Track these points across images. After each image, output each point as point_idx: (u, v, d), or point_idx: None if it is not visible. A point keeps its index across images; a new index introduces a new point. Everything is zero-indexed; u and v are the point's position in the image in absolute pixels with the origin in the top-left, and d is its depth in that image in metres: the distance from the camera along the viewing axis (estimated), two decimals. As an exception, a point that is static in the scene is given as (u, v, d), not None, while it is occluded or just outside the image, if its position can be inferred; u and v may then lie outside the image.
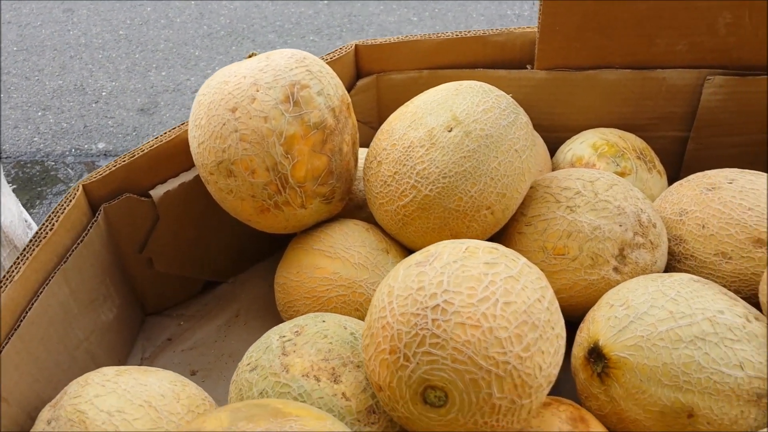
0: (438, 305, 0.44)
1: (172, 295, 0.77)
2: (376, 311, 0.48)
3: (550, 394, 0.51)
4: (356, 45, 0.79)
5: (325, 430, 0.41)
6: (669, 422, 0.51)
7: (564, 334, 0.49)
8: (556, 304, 0.48)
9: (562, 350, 0.48)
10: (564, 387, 0.57)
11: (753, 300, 0.60)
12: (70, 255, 0.61)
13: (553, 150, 0.82)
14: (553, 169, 0.79)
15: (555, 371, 0.47)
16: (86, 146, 1.37)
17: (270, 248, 0.80)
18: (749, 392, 0.51)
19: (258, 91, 0.60)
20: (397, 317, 0.45)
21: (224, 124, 0.60)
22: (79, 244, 0.62)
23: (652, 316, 0.52)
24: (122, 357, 0.72)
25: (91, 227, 0.64)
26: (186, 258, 0.75)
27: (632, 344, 0.52)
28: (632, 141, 0.78)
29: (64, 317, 0.61)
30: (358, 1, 1.95)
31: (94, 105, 1.45)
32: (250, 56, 0.65)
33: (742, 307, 0.54)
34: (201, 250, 0.75)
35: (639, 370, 0.51)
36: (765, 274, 0.58)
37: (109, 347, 0.69)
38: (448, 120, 0.60)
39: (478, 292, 0.44)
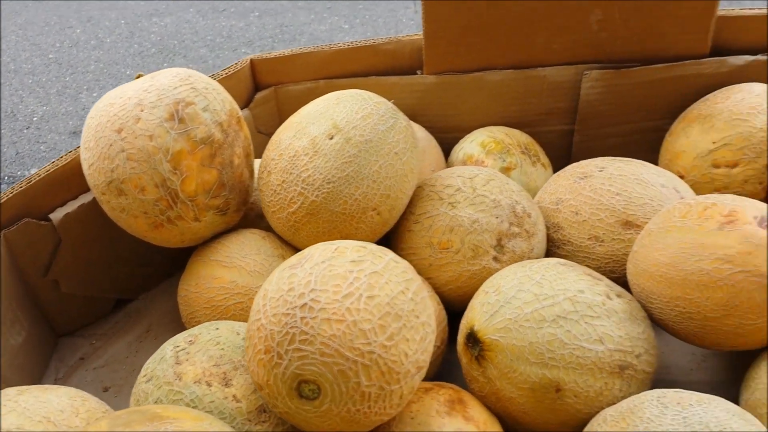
0: (306, 304, 0.47)
1: (82, 316, 0.78)
2: (253, 314, 0.51)
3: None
4: (251, 59, 0.82)
5: (201, 430, 0.44)
6: (539, 398, 0.55)
7: (432, 321, 0.52)
8: (423, 294, 0.52)
9: (431, 337, 0.52)
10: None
11: (625, 279, 0.65)
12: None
13: (448, 150, 0.86)
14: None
15: (423, 357, 0.51)
16: (20, 173, 1.36)
17: (178, 263, 0.82)
18: (611, 365, 0.55)
19: (142, 110, 0.62)
20: (270, 318, 0.48)
21: (111, 145, 0.62)
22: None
23: (519, 300, 0.56)
24: (35, 379, 0.73)
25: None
26: (93, 278, 0.76)
27: (502, 327, 0.56)
28: (518, 137, 0.82)
29: (-35, 344, 0.62)
30: (289, 12, 1.97)
31: (25, 131, 1.44)
32: (137, 77, 0.67)
33: (603, 285, 0.59)
34: (107, 268, 0.77)
35: (509, 350, 0.55)
36: (631, 253, 0.63)
37: (20, 370, 0.70)
38: (329, 128, 0.64)
39: (343, 288, 0.48)
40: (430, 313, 0.52)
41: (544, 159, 0.83)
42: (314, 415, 0.48)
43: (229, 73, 0.79)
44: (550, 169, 0.82)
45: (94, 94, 1.56)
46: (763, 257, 0.53)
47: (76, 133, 1.39)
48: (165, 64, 1.69)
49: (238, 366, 0.55)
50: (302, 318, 0.47)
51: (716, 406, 0.49)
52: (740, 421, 0.48)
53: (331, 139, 0.63)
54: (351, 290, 0.48)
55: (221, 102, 0.67)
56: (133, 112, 0.62)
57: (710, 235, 0.55)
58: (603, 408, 0.55)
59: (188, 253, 0.73)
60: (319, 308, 0.47)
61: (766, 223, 0.54)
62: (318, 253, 0.51)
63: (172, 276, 0.83)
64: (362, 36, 1.82)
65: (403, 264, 0.52)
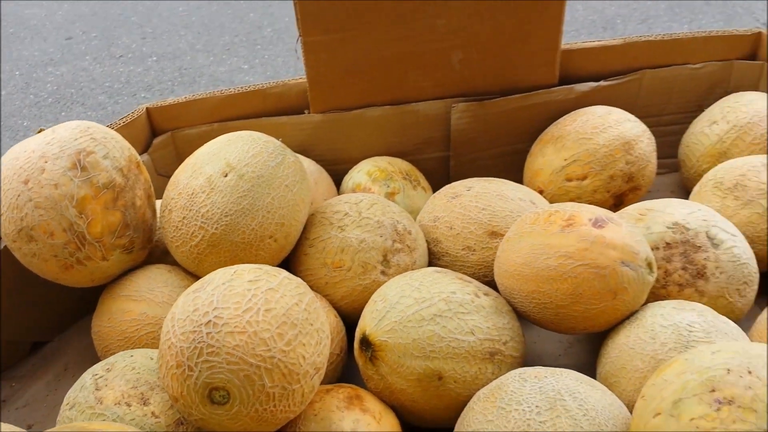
0: (210, 320, 0.54)
1: (2, 360, 0.80)
2: (163, 336, 0.56)
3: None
4: (147, 107, 0.88)
5: (123, 437, 0.49)
6: (425, 386, 0.63)
7: (326, 328, 0.60)
8: (315, 305, 0.59)
9: (326, 341, 0.59)
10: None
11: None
12: None
13: (339, 180, 0.94)
14: (340, 197, 0.91)
15: (320, 359, 0.58)
16: None
17: (90, 302, 0.86)
18: (482, 352, 0.64)
19: (46, 162, 0.67)
20: (179, 336, 0.54)
21: (19, 195, 0.67)
22: None
23: (402, 304, 0.65)
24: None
25: None
26: (9, 323, 0.79)
27: (389, 329, 0.64)
28: (399, 165, 0.92)
29: None
30: (187, 55, 2.00)
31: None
32: (39, 131, 0.71)
33: (473, 287, 0.68)
34: (22, 313, 0.80)
35: (396, 348, 0.63)
36: (495, 258, 0.73)
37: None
38: (223, 167, 0.70)
39: (243, 304, 0.54)
40: (323, 321, 0.59)
41: (425, 183, 0.93)
42: (226, 418, 0.54)
43: (127, 122, 0.85)
44: (430, 192, 0.92)
45: (-7, 147, 1.54)
46: (598, 251, 0.64)
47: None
48: (63, 114, 1.68)
49: (154, 386, 0.61)
50: (208, 333, 0.53)
51: (567, 376, 0.59)
52: (587, 387, 0.58)
53: (226, 176, 0.70)
54: (250, 305, 0.55)
55: (120, 149, 0.72)
56: (37, 164, 0.67)
57: (554, 237, 0.66)
58: (477, 399, 0.63)
59: (99, 292, 0.77)
60: (222, 323, 0.53)
61: (599, 224, 0.66)
62: (218, 276, 0.58)
63: (85, 315, 0.86)
64: (262, 75, 1.88)
65: (296, 280, 0.60)
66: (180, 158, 0.92)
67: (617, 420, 0.56)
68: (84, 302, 0.85)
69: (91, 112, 1.67)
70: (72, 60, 1.85)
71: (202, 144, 0.75)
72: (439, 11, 0.83)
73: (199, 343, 0.53)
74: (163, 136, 0.90)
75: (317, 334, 0.58)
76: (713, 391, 0.49)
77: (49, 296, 0.81)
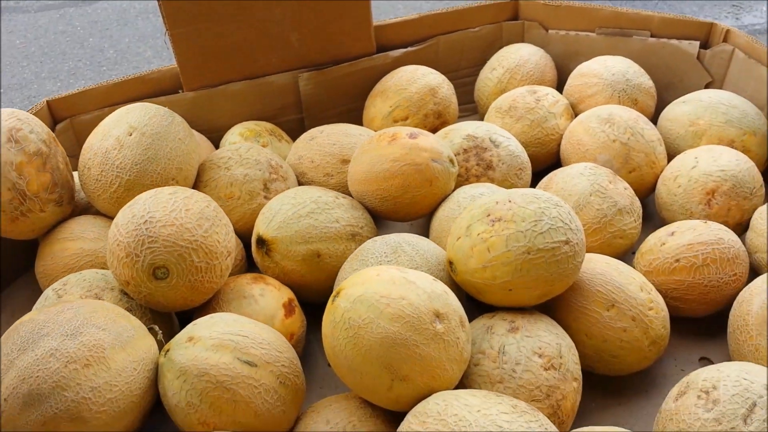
0: (147, 220, 0.75)
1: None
2: (111, 239, 0.76)
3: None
4: (47, 100, 1.06)
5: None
6: (309, 263, 0.88)
7: (230, 223, 0.82)
8: (219, 209, 0.82)
9: (233, 233, 0.82)
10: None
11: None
12: None
13: (217, 146, 1.16)
14: (219, 157, 1.13)
15: (230, 245, 0.80)
16: None
17: (29, 260, 1.00)
18: (346, 234, 0.90)
19: (-16, 137, 0.84)
20: (125, 235, 0.75)
21: (-36, 166, 0.83)
22: None
23: (283, 209, 0.88)
24: None
25: None
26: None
27: (277, 227, 0.87)
28: (264, 125, 1.15)
29: None
30: (34, 84, 2.08)
31: None
32: (-32, 118, 0.88)
33: (334, 193, 0.93)
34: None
35: (284, 240, 0.87)
36: (348, 173, 0.99)
37: None
38: (127, 128, 0.91)
39: (168, 207, 0.76)
40: (227, 220, 0.82)
41: (287, 138, 1.17)
42: (168, 289, 0.76)
43: (32, 113, 1.02)
44: (292, 143, 1.16)
45: None
46: (415, 154, 0.91)
47: None
48: None
49: (104, 288, 0.80)
50: (146, 228, 0.74)
51: (405, 234, 0.86)
52: (419, 239, 0.85)
53: (131, 135, 0.90)
54: (174, 207, 0.76)
55: (40, 126, 0.90)
56: (-24, 139, 0.84)
57: (384, 149, 0.92)
58: (346, 261, 0.88)
59: (33, 252, 0.94)
60: (156, 220, 0.75)
61: (413, 136, 0.93)
62: (144, 194, 0.79)
63: (23, 274, 1.02)
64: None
65: (203, 194, 0.82)
66: (79, 141, 1.09)
67: (439, 256, 0.83)
68: (21, 261, 1.01)
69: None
70: None
71: (87, 139, 0.94)
72: (275, 2, 1.08)
73: (141, 236, 0.74)
74: (63, 122, 1.08)
75: (225, 227, 0.80)
76: (489, 215, 0.77)
77: (-14, 259, 0.96)
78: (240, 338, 0.69)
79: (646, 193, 1.02)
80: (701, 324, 0.89)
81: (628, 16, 1.18)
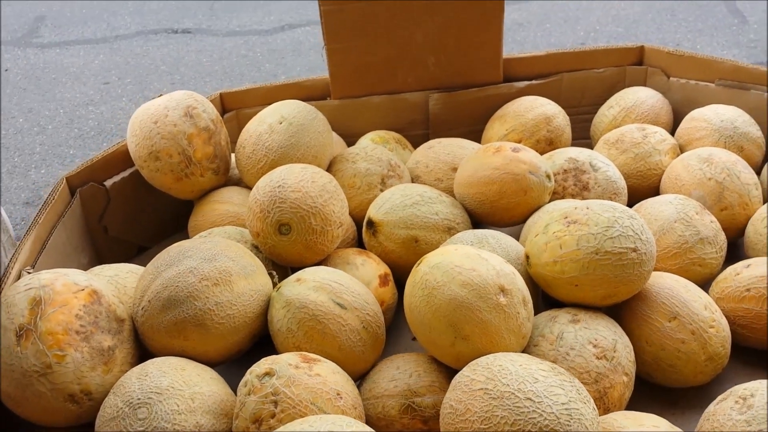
0: (280, 185, 0.92)
1: (115, 255, 1.17)
2: (251, 198, 0.94)
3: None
4: (220, 93, 1.28)
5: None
6: (407, 247, 1.01)
7: (345, 200, 0.98)
8: (340, 188, 0.97)
9: (346, 209, 0.98)
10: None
11: (455, 199, 1.13)
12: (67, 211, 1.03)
13: (350, 148, 1.33)
14: (351, 157, 1.30)
15: (343, 218, 0.96)
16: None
17: (182, 222, 1.22)
18: (442, 226, 1.02)
19: (168, 111, 1.07)
20: (261, 194, 0.93)
21: (150, 130, 1.06)
22: (65, 214, 1.04)
23: (393, 198, 1.03)
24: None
25: (71, 205, 1.06)
26: (127, 228, 1.17)
27: (384, 212, 1.02)
28: (393, 135, 1.31)
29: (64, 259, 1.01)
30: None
31: (-18, 203, 1.56)
32: (159, 95, 1.11)
33: (438, 191, 1.07)
34: (132, 220, 1.18)
35: (389, 224, 1.01)
36: (454, 179, 1.12)
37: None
38: (279, 118, 1.10)
39: (299, 177, 0.93)
40: (344, 197, 0.98)
41: (411, 147, 1.32)
42: (288, 244, 0.92)
43: (209, 99, 1.25)
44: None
45: (42, 171, 1.72)
46: (514, 165, 1.02)
47: (29, 203, 1.59)
48: (104, 144, 1.84)
49: (239, 240, 0.98)
50: (278, 191, 0.91)
51: (491, 230, 0.97)
52: (503, 234, 0.96)
53: (281, 124, 1.09)
54: (302, 178, 0.93)
55: (211, 108, 1.12)
56: (163, 112, 1.07)
57: (488, 158, 1.05)
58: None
59: (186, 218, 1.14)
60: (287, 186, 0.92)
61: (515, 150, 1.04)
62: (281, 167, 0.96)
63: (177, 233, 1.24)
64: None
65: (327, 174, 0.99)
66: (241, 129, 1.31)
67: (519, 252, 0.94)
68: (177, 222, 1.23)
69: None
70: (110, 101, 2.04)
71: (247, 123, 1.14)
72: (417, 26, 1.24)
73: (274, 197, 0.91)
74: (231, 113, 1.30)
75: (341, 202, 0.96)
76: (566, 217, 0.87)
77: (157, 210, 1.19)
78: (336, 285, 0.84)
79: (737, 233, 1.06)
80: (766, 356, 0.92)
81: (747, 70, 1.22)
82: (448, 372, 0.81)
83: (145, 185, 1.13)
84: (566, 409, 0.65)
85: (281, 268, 0.99)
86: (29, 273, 0.89)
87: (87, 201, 1.10)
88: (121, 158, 1.13)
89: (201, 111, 1.09)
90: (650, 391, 0.89)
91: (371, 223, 1.03)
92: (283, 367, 0.71)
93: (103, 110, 1.99)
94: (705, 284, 0.98)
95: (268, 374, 0.71)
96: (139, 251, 1.22)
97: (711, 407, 0.76)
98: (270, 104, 1.25)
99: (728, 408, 0.73)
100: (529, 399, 0.66)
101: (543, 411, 0.65)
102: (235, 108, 1.31)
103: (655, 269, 0.91)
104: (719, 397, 0.76)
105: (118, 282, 0.91)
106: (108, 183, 1.12)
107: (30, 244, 0.93)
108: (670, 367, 0.86)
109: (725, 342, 0.86)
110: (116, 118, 1.96)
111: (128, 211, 1.17)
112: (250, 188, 1.14)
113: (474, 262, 0.79)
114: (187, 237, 1.12)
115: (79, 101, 2.05)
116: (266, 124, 1.10)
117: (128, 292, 0.89)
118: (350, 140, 1.34)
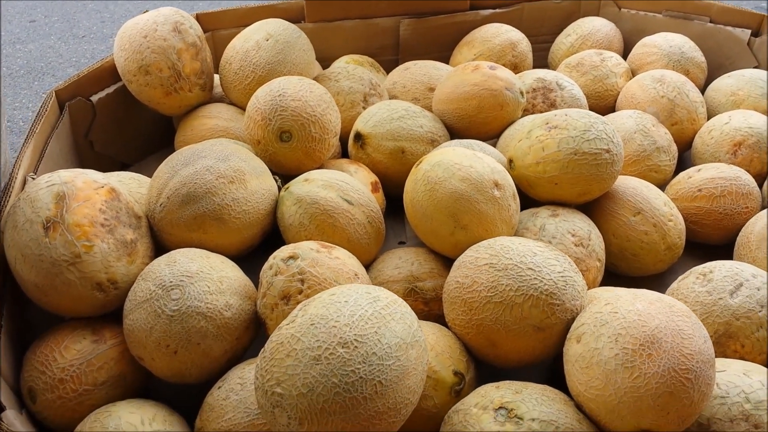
0: (280, 94, 0.97)
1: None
2: (250, 106, 0.99)
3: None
4: (197, 14, 1.30)
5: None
6: (394, 158, 1.08)
7: (338, 111, 1.04)
8: (332, 98, 1.03)
9: (339, 119, 1.03)
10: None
11: (431, 116, 1.20)
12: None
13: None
14: (325, 80, 1.35)
15: (338, 128, 1.02)
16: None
17: (165, 139, 1.24)
18: (426, 138, 1.10)
19: (157, 26, 1.08)
20: (262, 103, 0.97)
21: (140, 44, 1.07)
22: (57, 126, 1.05)
23: (379, 112, 1.09)
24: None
25: (62, 118, 1.07)
26: (112, 143, 1.19)
27: (372, 125, 1.08)
28: (366, 59, 1.37)
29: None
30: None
31: None
32: (145, 12, 1.12)
33: (420, 106, 1.14)
34: (121, 138, 1.20)
35: (377, 136, 1.08)
36: (433, 95, 1.19)
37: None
38: (265, 35, 1.13)
39: (297, 87, 0.98)
40: (337, 109, 1.03)
41: (383, 72, 1.38)
42: (289, 150, 0.97)
43: (185, 21, 1.26)
44: (386, 75, 1.38)
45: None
46: (491, 81, 1.10)
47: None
48: (35, 83, 1.81)
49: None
50: (279, 100, 0.96)
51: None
52: (486, 146, 1.04)
53: (267, 41, 1.13)
54: (301, 87, 0.98)
55: (196, 25, 1.14)
56: (152, 26, 1.08)
57: (467, 75, 1.12)
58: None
59: (171, 135, 1.17)
60: (288, 95, 0.97)
61: (492, 68, 1.12)
62: (279, 77, 1.01)
63: (158, 150, 1.26)
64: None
65: (322, 86, 1.04)
66: (216, 52, 1.33)
67: (501, 159, 1.03)
68: (159, 140, 1.25)
69: (62, 82, 1.94)
70: (38, 39, 1.98)
71: (231, 41, 1.17)
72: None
73: (275, 105, 0.96)
74: (207, 34, 1.31)
75: (336, 113, 1.02)
76: (547, 123, 0.96)
77: (141, 128, 1.21)
78: (343, 183, 0.90)
79: (685, 146, 1.19)
80: (714, 251, 1.05)
81: (692, 2, 1.34)
82: (445, 261, 0.90)
83: (128, 102, 1.15)
84: (562, 276, 0.75)
85: (279, 176, 1.04)
86: (33, 179, 0.91)
87: (75, 115, 1.11)
88: (108, 73, 1.15)
89: (188, 27, 1.11)
90: (615, 281, 1.00)
91: (359, 136, 1.09)
92: (306, 251, 0.78)
93: (32, 48, 1.94)
94: (659, 188, 1.10)
95: (292, 257, 0.78)
96: (122, 168, 1.24)
97: (674, 284, 0.88)
98: (244, 27, 1.29)
99: (690, 283, 0.85)
100: (531, 269, 0.75)
101: (543, 278, 0.74)
102: (212, 29, 1.33)
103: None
104: (680, 277, 0.88)
105: (124, 185, 0.94)
106: (94, 98, 1.13)
107: (30, 152, 0.95)
108: (634, 256, 0.97)
109: (681, 234, 0.98)
110: (45, 57, 1.91)
111: (113, 127, 1.18)
112: (235, 105, 1.17)
113: (471, 160, 0.87)
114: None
115: (6, 39, 1.99)
116: (253, 41, 1.13)
117: (135, 196, 0.93)
118: (323, 64, 1.38)
